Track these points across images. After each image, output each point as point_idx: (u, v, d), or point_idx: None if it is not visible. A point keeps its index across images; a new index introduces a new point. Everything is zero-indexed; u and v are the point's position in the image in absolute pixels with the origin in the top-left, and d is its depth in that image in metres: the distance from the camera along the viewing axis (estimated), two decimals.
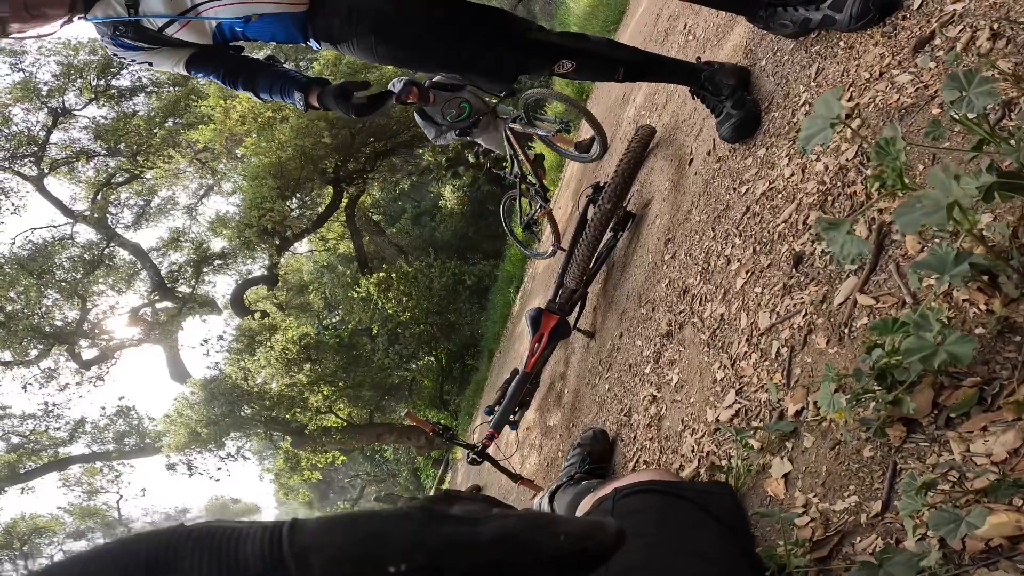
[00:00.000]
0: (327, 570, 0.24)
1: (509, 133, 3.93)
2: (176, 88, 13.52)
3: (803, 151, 0.52)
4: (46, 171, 13.32)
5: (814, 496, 0.81)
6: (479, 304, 10.48)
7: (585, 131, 6.07)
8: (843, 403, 0.63)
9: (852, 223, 0.47)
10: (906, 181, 0.48)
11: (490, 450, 3.08)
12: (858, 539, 0.69)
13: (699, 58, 1.73)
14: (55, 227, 13.60)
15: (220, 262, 14.38)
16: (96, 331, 13.85)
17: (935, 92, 0.98)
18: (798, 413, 0.90)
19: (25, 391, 13.60)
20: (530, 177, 4.24)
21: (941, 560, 0.51)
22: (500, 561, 0.25)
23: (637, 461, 1.64)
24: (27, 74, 12.53)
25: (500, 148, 4.13)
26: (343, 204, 11.89)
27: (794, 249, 1.11)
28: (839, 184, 1.06)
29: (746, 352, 1.16)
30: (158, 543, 0.25)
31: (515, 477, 2.70)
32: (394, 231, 15.49)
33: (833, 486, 0.77)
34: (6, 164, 12.89)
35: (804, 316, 0.99)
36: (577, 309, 2.65)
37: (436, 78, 4.16)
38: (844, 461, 0.76)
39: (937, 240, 0.72)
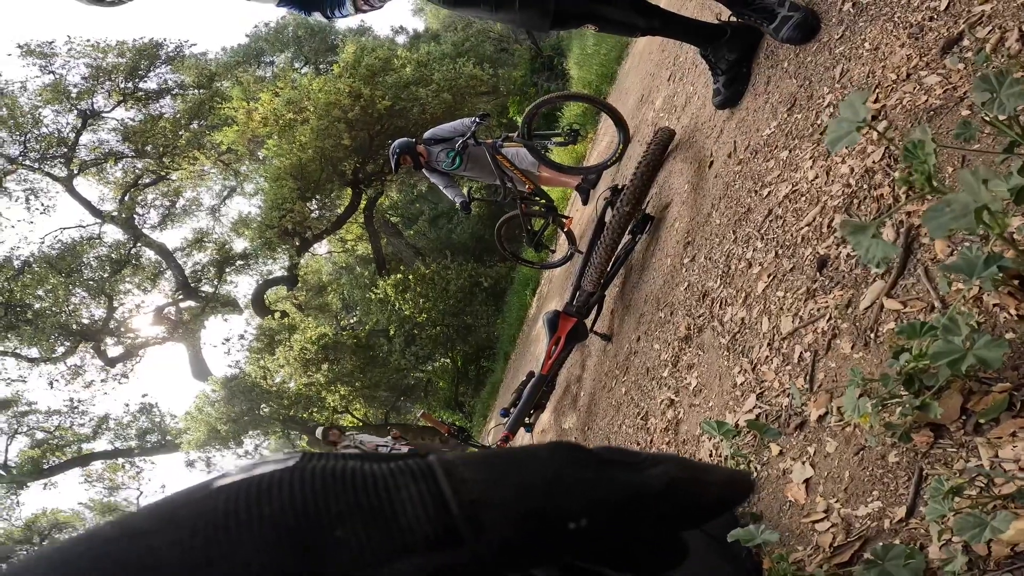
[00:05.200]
0: (504, 531, 0.20)
1: (498, 156, 3.98)
2: (200, 91, 13.81)
3: (830, 153, 0.51)
4: (75, 172, 13.69)
5: (836, 501, 0.80)
6: (495, 306, 10.51)
7: (603, 132, 6.06)
8: (868, 408, 0.62)
9: (878, 226, 0.47)
10: (935, 184, 0.48)
11: None
12: (881, 545, 0.68)
13: (719, 17, 1.79)
14: (83, 227, 13.97)
15: (242, 262, 14.65)
16: (122, 329, 14.17)
17: (964, 93, 0.96)
18: (821, 418, 0.89)
19: (51, 387, 13.94)
20: (536, 197, 4.23)
21: (966, 565, 0.50)
22: (666, 512, 0.23)
23: None
24: (57, 76, 12.89)
25: (491, 177, 4.18)
26: (362, 206, 12.02)
27: (818, 252, 1.10)
28: (865, 186, 1.05)
29: (767, 356, 1.15)
30: (302, 503, 0.20)
31: None
32: (411, 233, 15.60)
33: (856, 491, 0.76)
34: (37, 165, 13.27)
35: (828, 320, 0.98)
36: (594, 312, 2.64)
37: (427, 134, 4.35)
38: (868, 466, 0.75)
39: (967, 243, 0.71)
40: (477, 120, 4.10)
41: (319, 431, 5.63)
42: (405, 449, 5.65)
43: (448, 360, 10.60)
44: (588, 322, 2.64)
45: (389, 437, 5.76)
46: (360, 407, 10.91)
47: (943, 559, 0.53)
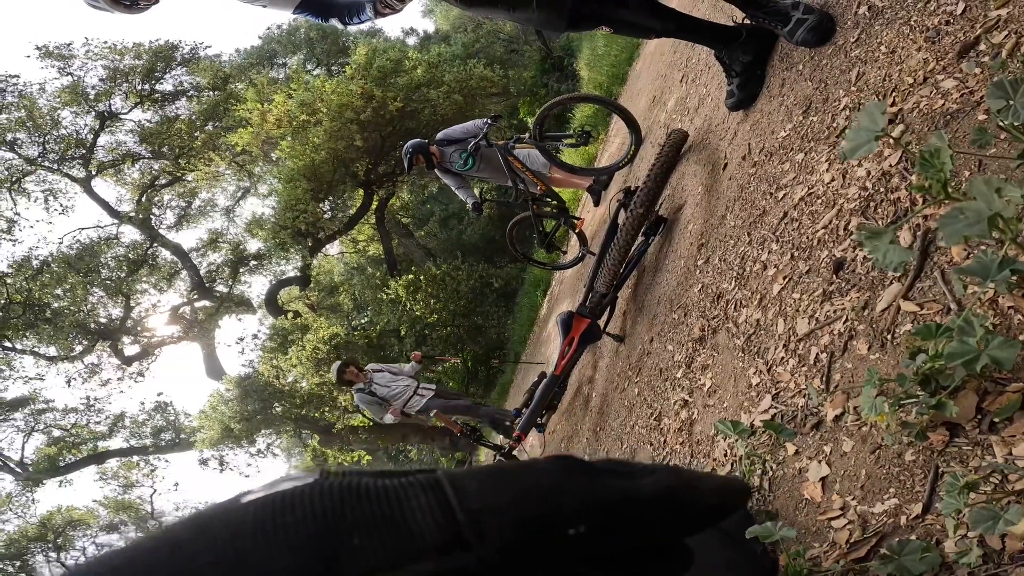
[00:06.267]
0: (507, 536, 0.22)
1: (510, 157, 4.01)
2: (215, 92, 13.99)
3: (845, 159, 0.53)
4: (94, 173, 13.91)
5: (852, 499, 0.81)
6: (506, 307, 10.54)
7: (614, 133, 6.07)
8: (885, 407, 0.64)
9: (895, 231, 0.49)
10: (950, 191, 0.50)
11: (516, 452, 3.10)
12: (897, 540, 0.70)
13: (733, 19, 1.80)
14: (101, 227, 14.20)
15: (256, 263, 14.82)
16: (138, 328, 14.38)
17: (980, 98, 0.97)
18: (838, 418, 0.90)
19: (69, 386, 14.13)
20: (547, 198, 4.26)
21: (980, 558, 0.52)
22: (659, 519, 0.24)
23: None
24: (75, 78, 13.09)
25: (503, 178, 4.22)
26: (373, 207, 12.11)
27: (834, 255, 1.11)
28: (882, 190, 1.06)
29: (783, 358, 1.17)
30: (322, 514, 0.22)
31: None
32: (422, 234, 15.69)
33: (872, 489, 0.78)
34: (55, 166, 13.50)
35: (845, 322, 0.99)
36: (607, 314, 2.65)
37: (439, 135, 4.39)
38: (884, 464, 0.77)
39: (983, 248, 0.72)
40: (489, 121, 4.14)
41: (334, 367, 5.04)
42: (427, 392, 4.89)
43: (459, 360, 10.64)
44: (601, 323, 2.66)
45: (412, 363, 5.13)
46: None
47: (959, 552, 0.55)
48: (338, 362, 5.15)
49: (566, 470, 0.25)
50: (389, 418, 4.77)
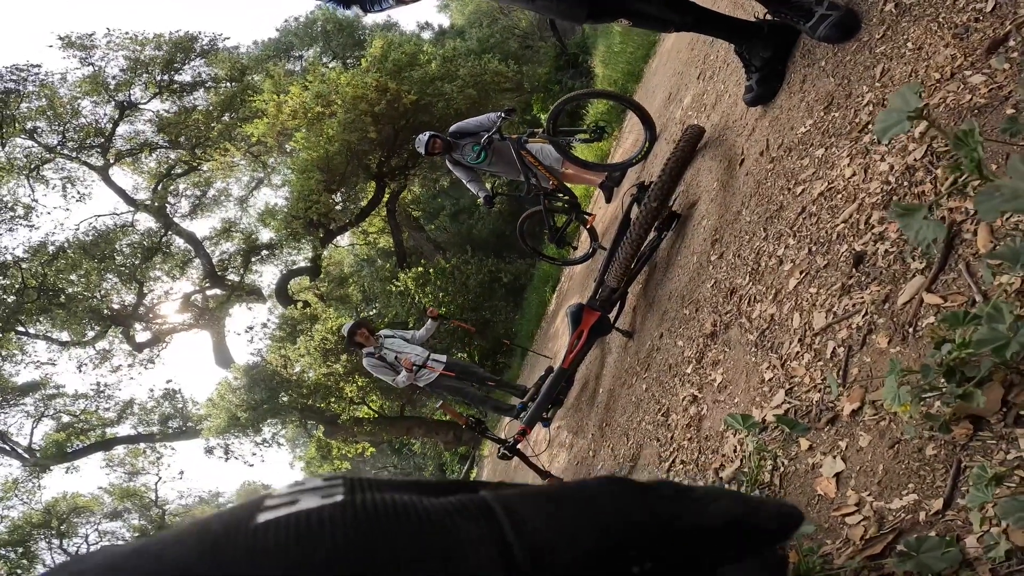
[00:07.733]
0: (571, 574, 0.20)
1: (523, 152, 4.01)
2: (232, 84, 14.09)
3: (879, 141, 0.52)
4: (112, 161, 14.07)
5: (868, 495, 0.80)
6: (514, 302, 10.53)
7: (628, 130, 6.04)
8: (908, 397, 0.62)
9: (929, 208, 0.48)
10: (984, 171, 0.49)
11: (520, 446, 3.09)
12: (915, 536, 0.69)
13: (755, 15, 1.78)
14: (117, 215, 14.37)
15: (267, 252, 14.93)
16: (150, 315, 14.52)
17: (1009, 92, 0.95)
18: (855, 412, 0.89)
19: (80, 371, 14.28)
20: (559, 193, 4.25)
21: (1005, 554, 0.51)
22: (725, 547, 0.23)
23: (673, 461, 1.64)
24: (96, 68, 13.24)
25: (515, 173, 4.21)
26: (384, 199, 12.14)
27: (854, 249, 1.09)
28: (906, 184, 1.04)
29: (798, 352, 1.15)
30: (357, 543, 0.19)
31: (544, 474, 2.71)
32: (433, 227, 15.72)
33: (890, 484, 0.76)
34: (74, 154, 13.66)
35: (864, 316, 0.97)
36: (616, 308, 2.64)
37: (453, 128, 4.40)
38: (903, 459, 0.75)
39: (1009, 238, 0.71)
40: (503, 115, 4.13)
41: (345, 328, 4.81)
42: (438, 365, 4.73)
43: (465, 355, 10.66)
44: (611, 317, 2.64)
45: (428, 323, 4.95)
46: (376, 399, 10.99)
47: (984, 546, 0.54)
48: (350, 322, 4.97)
49: (629, 499, 0.23)
50: (403, 379, 4.65)
